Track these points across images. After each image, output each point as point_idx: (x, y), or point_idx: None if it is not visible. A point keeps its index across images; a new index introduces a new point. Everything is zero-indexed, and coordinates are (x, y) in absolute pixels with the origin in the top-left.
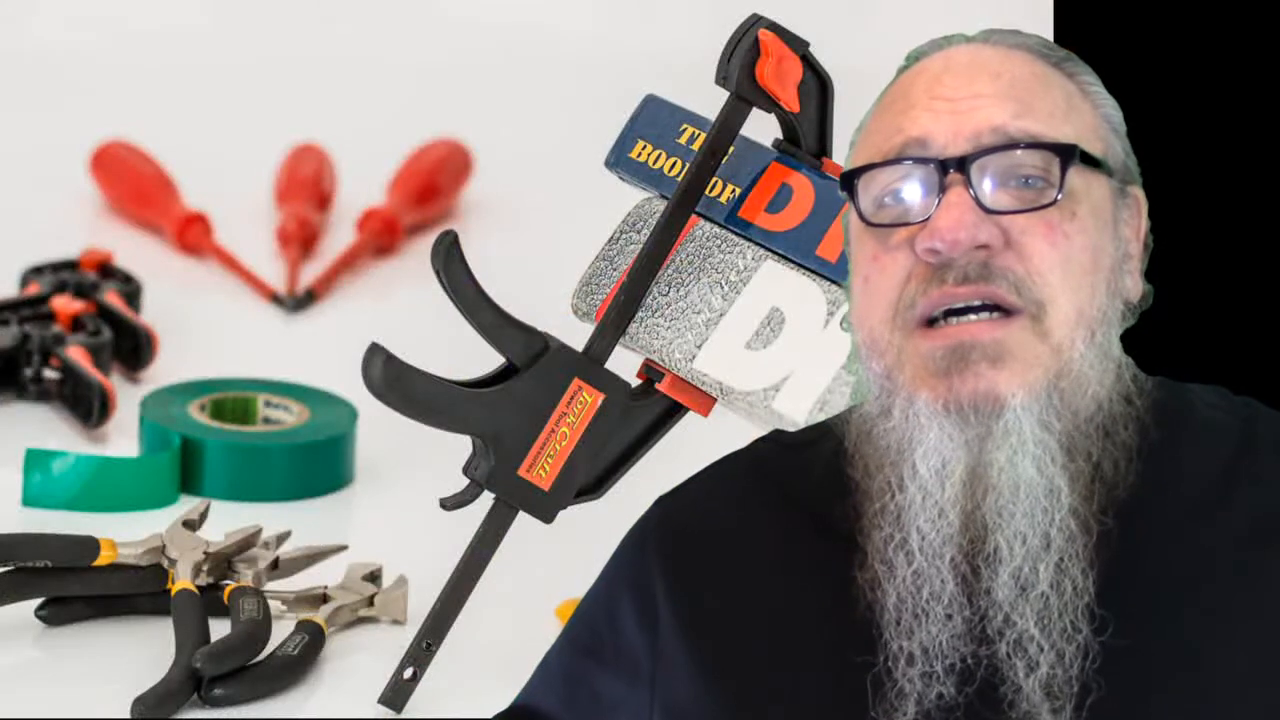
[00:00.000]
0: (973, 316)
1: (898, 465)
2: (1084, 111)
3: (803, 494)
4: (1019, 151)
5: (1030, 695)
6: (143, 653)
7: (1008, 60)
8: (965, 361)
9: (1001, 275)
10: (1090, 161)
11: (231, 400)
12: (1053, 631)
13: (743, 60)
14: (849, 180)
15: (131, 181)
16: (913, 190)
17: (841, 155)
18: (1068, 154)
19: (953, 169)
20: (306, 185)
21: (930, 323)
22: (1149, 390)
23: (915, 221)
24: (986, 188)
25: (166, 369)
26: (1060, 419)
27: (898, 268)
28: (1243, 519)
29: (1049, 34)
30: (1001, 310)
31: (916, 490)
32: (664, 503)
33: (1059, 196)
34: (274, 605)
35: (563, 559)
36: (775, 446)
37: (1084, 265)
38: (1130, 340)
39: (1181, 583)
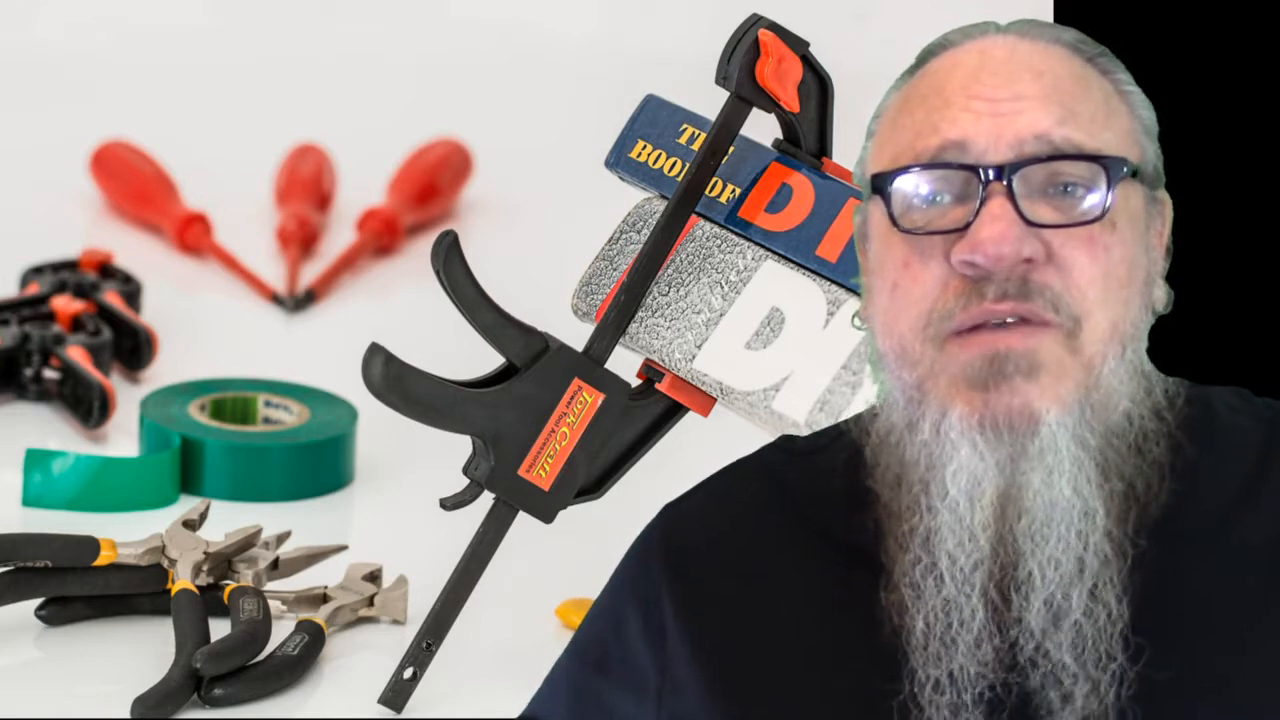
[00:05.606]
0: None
1: (926, 482)
2: (1121, 114)
3: (815, 504)
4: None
5: None
6: (143, 653)
7: (1047, 57)
8: (1001, 375)
9: (1039, 292)
10: (1130, 171)
11: (231, 400)
12: (1087, 661)
13: (743, 60)
14: (881, 182)
15: (131, 181)
16: (949, 196)
17: (841, 155)
18: (1115, 168)
19: (994, 178)
20: (306, 185)
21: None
22: (1179, 403)
23: (950, 229)
24: (1028, 198)
25: (166, 369)
26: (1094, 435)
27: (931, 277)
28: (1269, 528)
29: None
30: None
31: (947, 512)
32: (669, 512)
33: (1105, 211)
34: (274, 605)
35: (563, 559)
36: (784, 454)
37: (1121, 279)
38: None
39: (1211, 603)
